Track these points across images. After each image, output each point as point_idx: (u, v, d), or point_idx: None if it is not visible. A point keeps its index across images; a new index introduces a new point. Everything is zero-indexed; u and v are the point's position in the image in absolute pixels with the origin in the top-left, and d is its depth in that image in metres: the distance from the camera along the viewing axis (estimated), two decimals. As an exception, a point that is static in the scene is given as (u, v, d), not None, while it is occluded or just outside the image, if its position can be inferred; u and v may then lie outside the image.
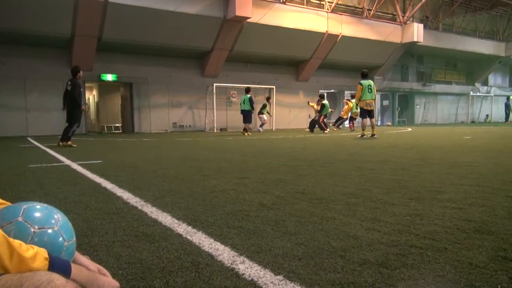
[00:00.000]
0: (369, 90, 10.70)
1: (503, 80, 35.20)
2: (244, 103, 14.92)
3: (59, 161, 5.56)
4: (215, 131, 18.48)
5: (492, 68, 31.19)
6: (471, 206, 2.37)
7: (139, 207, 2.47)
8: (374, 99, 10.93)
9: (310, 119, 18.14)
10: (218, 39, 17.66)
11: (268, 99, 18.47)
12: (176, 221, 2.12)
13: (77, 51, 15.61)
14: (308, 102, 18.51)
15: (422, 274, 1.36)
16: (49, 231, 0.90)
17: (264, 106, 17.89)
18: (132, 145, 9.47)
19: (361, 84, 10.81)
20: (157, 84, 18.21)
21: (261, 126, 18.06)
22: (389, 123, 27.77)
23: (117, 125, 20.49)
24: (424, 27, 23.80)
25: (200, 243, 1.73)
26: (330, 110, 16.47)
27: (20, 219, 0.88)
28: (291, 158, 5.53)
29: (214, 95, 18.63)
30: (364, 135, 10.82)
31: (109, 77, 17.32)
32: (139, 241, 1.78)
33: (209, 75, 19.18)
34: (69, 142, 8.70)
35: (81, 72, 8.91)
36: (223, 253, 1.59)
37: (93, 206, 2.52)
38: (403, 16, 23.57)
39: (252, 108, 14.88)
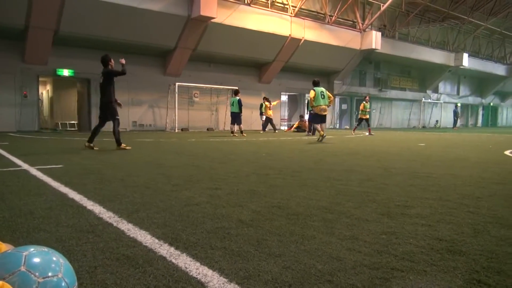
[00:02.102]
0: (322, 96, 11.13)
1: (452, 88, 37.33)
2: (233, 105, 15.18)
3: (15, 165, 5.25)
4: (176, 131, 18.19)
5: (442, 76, 32.99)
6: (439, 223, 2.50)
7: (114, 224, 2.39)
8: (328, 105, 11.35)
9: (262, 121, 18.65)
10: (181, 37, 17.41)
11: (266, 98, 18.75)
12: (156, 240, 2.07)
13: (31, 43, 14.81)
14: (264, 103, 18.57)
15: (408, 301, 1.43)
16: (54, 279, 0.86)
17: (261, 106, 18.47)
18: (92, 146, 9.11)
19: (314, 90, 11.20)
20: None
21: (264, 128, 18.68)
22: (347, 127, 28.62)
23: (73, 122, 19.64)
24: (382, 35, 24.76)
25: (186, 268, 1.71)
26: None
27: (22, 269, 0.84)
28: (259, 166, 5.56)
29: (176, 94, 18.34)
30: (320, 138, 11.19)
31: (66, 72, 16.57)
32: (122, 266, 1.72)
33: (172, 74, 18.86)
34: (123, 145, 7.85)
35: (112, 60, 7.89)
36: (213, 280, 1.58)
37: (64, 223, 2.41)
38: (362, 24, 24.37)
39: (240, 110, 15.08)
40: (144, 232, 2.23)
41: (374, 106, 30.58)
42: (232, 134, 14.98)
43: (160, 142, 10.57)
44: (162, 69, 18.99)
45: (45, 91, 20.67)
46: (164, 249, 1.94)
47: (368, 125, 17.51)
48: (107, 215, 2.59)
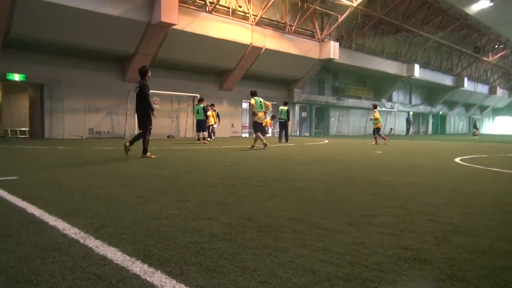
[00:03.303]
0: (260, 106, 11.75)
1: (405, 97, 39.14)
2: (198, 112, 15.22)
3: (-37, 177, 4.91)
4: (135, 138, 17.72)
5: (396, 86, 34.52)
6: (403, 232, 2.62)
7: (81, 241, 2.30)
8: (265, 112, 12.17)
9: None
10: (141, 43, 17.08)
11: (212, 105, 18.41)
12: (128, 257, 2.02)
13: (-23, 46, 13.95)
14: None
15: (382, 311, 1.48)
16: None
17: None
18: (47, 155, 8.71)
19: (254, 99, 11.73)
20: (73, 87, 16.96)
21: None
22: (307, 134, 29.19)
23: (24, 129, 18.64)
24: (340, 45, 25.56)
25: (162, 286, 1.68)
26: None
27: None
28: (225, 175, 5.55)
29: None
30: (266, 145, 11.66)
31: (16, 76, 15.72)
32: (94, 286, 1.67)
33: (131, 80, 18.37)
34: (148, 154, 8.05)
35: (149, 72, 8.09)
36: (191, 298, 1.57)
37: (26, 240, 2.29)
38: (321, 34, 25.05)
39: (206, 117, 15.24)
40: (114, 249, 2.16)
41: (333, 114, 31.46)
42: (198, 142, 14.91)
43: (120, 151, 10.26)
44: (121, 75, 18.50)
45: (-7, 96, 19.52)
46: (137, 267, 1.90)
47: (379, 134, 16.21)
48: (72, 231, 2.49)
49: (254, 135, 12.09)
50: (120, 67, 18.41)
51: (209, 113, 16.28)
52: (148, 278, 1.76)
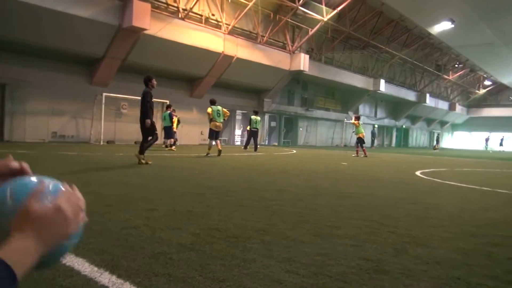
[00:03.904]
0: (218, 115, 12.07)
1: (370, 111, 40.35)
2: (165, 119, 15.17)
3: None
4: (101, 143, 17.32)
5: (362, 99, 35.56)
6: (365, 243, 2.74)
7: (47, 250, 2.26)
8: (222, 122, 12.35)
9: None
10: (111, 47, 16.78)
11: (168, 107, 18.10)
12: (96, 268, 2.01)
13: None
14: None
15: (344, 321, 1.57)
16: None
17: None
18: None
19: (211, 107, 12.10)
20: (37, 88, 16.39)
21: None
22: (276, 143, 29.49)
23: (-19, 130, 17.77)
24: (310, 58, 26.11)
25: (131, 297, 1.70)
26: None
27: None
28: (194, 184, 5.55)
29: (103, 105, 17.53)
30: (209, 153, 11.95)
31: (-25, 75, 15.05)
32: (62, 297, 1.66)
33: (99, 84, 18.02)
34: (141, 157, 8.10)
35: (153, 80, 8.31)
36: (160, 308, 1.60)
37: (-12, 250, 2.23)
38: (292, 46, 25.52)
39: (172, 124, 15.17)
40: (81, 259, 2.14)
41: (301, 125, 31.97)
42: (166, 148, 14.80)
43: (86, 157, 10.01)
44: (88, 78, 18.06)
45: None
46: (106, 278, 1.90)
47: (362, 146, 16.06)
48: (36, 241, 2.44)
49: (212, 142, 12.26)
50: (88, 70, 17.99)
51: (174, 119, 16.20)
52: (116, 289, 1.77)
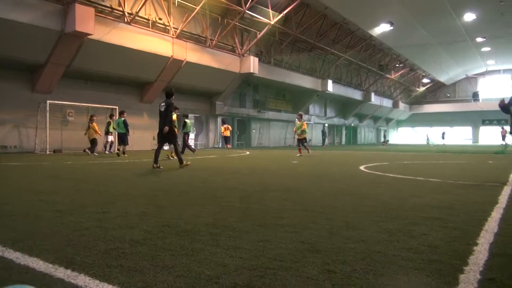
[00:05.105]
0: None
1: (320, 110, 41.70)
2: (118, 126, 14.81)
3: None
4: (47, 152, 16.64)
5: (312, 100, 36.68)
6: (304, 230, 3.04)
7: (0, 253, 2.35)
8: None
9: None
10: (53, 53, 16.18)
11: (111, 116, 17.74)
12: (50, 265, 2.14)
13: None
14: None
15: (277, 290, 1.84)
16: None
17: (109, 124, 17.23)
18: None
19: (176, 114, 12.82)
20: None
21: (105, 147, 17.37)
22: (229, 146, 29.66)
23: None
24: (259, 60, 26.61)
25: (86, 286, 1.85)
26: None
27: None
28: (146, 188, 5.64)
29: (48, 113, 16.85)
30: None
31: None
32: (19, 291, 1.78)
33: (42, 91, 17.29)
34: (183, 164, 8.96)
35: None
36: (114, 293, 1.77)
37: None
38: (241, 49, 25.88)
39: (127, 130, 14.76)
40: (35, 258, 2.25)
41: (254, 126, 32.42)
42: (118, 156, 14.60)
43: (32, 167, 9.68)
44: (30, 85, 17.26)
45: None
46: (61, 272, 2.03)
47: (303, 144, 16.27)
48: (-13, 246, 2.50)
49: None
50: (30, 77, 17.20)
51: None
52: (72, 281, 1.92)
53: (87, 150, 15.72)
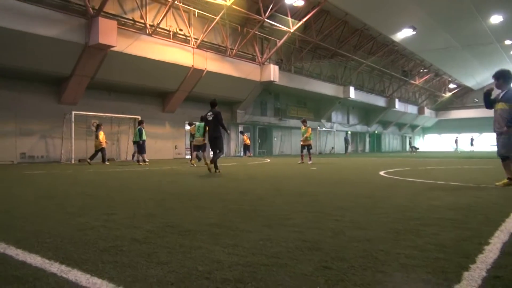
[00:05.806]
0: (198, 130, 12.93)
1: (343, 118, 41.25)
2: (137, 135, 15.33)
3: None
4: (73, 162, 17.10)
5: (334, 107, 36.36)
6: (309, 229, 2.97)
7: (1, 250, 2.39)
8: (203, 138, 12.55)
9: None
10: (78, 65, 16.71)
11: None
12: (47, 261, 2.15)
13: None
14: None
15: (267, 285, 1.78)
16: None
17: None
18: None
19: (194, 124, 13.98)
20: (3, 109, 16.10)
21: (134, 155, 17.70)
22: (251, 154, 29.68)
23: None
24: (279, 68, 26.65)
25: (77, 280, 1.85)
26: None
27: None
28: (158, 192, 5.68)
29: (73, 124, 17.36)
30: (193, 164, 13.46)
31: None
32: (11, 284, 1.80)
33: (67, 102, 17.85)
34: (218, 170, 9.58)
35: None
36: (102, 286, 1.76)
37: None
38: (261, 57, 26.01)
39: (141, 138, 15.13)
40: (34, 255, 2.28)
41: (275, 135, 32.36)
42: (138, 163, 14.93)
43: (54, 174, 9.95)
44: (56, 97, 17.87)
45: None
46: (55, 267, 2.04)
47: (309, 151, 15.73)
48: (-8, 244, 2.55)
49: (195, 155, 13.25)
50: (56, 89, 17.81)
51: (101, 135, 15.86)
52: (63, 275, 1.92)
53: (87, 160, 15.71)
